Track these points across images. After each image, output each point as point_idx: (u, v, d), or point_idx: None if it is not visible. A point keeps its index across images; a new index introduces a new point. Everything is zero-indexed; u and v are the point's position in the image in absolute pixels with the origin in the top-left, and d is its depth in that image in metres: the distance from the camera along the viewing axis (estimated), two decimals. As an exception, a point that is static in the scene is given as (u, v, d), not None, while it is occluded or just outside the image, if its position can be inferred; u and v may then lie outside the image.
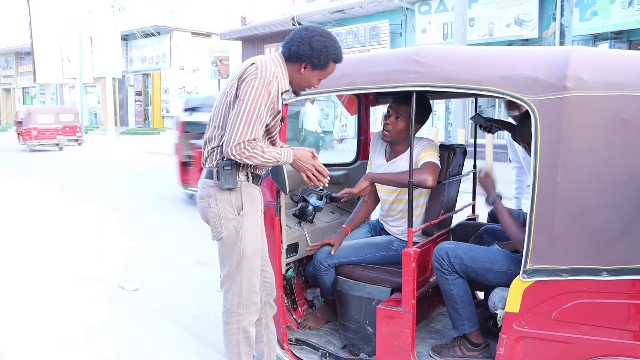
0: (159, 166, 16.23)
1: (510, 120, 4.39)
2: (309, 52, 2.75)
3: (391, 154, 3.56)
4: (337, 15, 20.10)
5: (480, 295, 3.89)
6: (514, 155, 3.96)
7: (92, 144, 26.29)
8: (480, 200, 3.38)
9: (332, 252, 3.45)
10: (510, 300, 2.55)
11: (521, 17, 15.31)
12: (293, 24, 20.02)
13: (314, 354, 3.47)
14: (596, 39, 14.13)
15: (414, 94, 2.88)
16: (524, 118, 3.77)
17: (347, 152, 15.13)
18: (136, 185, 13.18)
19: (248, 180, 2.90)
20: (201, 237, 5.60)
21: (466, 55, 2.94)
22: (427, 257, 3.24)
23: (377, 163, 3.65)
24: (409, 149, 3.07)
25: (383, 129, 3.47)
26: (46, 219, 9.01)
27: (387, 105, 3.50)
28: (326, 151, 17.32)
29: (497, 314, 2.68)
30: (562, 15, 14.74)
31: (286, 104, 3.17)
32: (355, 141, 4.63)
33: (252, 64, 2.76)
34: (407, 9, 18.25)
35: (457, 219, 3.94)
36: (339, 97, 4.46)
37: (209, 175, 2.91)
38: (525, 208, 3.92)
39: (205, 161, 2.95)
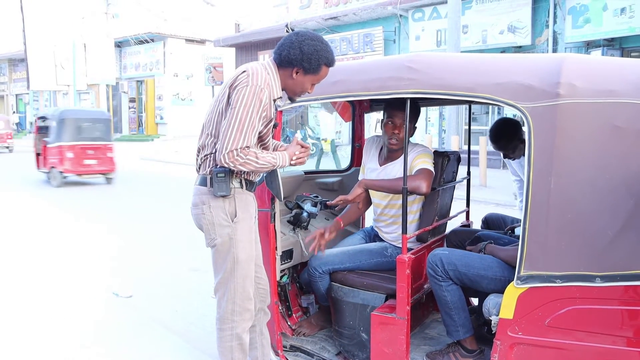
0: (153, 174, 16.21)
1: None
2: (300, 57, 2.74)
3: (386, 159, 3.56)
4: (331, 22, 20.17)
5: (475, 301, 3.89)
6: (514, 171, 3.99)
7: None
8: (474, 207, 3.38)
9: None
10: (505, 306, 2.55)
11: (514, 24, 15.41)
12: (287, 31, 20.05)
13: (308, 360, 3.47)
14: (589, 46, 14.23)
15: (408, 101, 2.89)
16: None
17: (341, 159, 15.11)
18: (129, 192, 13.16)
19: (242, 187, 2.90)
20: (195, 243, 5.60)
21: (460, 62, 2.95)
22: (422, 264, 3.24)
23: (371, 167, 3.65)
24: (403, 155, 3.07)
25: (390, 138, 3.45)
26: (40, 227, 8.97)
27: (385, 114, 3.49)
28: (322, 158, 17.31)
29: (491, 320, 2.69)
30: (554, 22, 14.84)
31: (281, 111, 3.17)
32: (349, 148, 4.63)
33: (244, 71, 2.76)
34: (400, 16, 18.34)
35: (452, 225, 3.95)
36: (333, 104, 4.47)
37: (203, 183, 2.91)
38: None
39: (199, 168, 2.95)
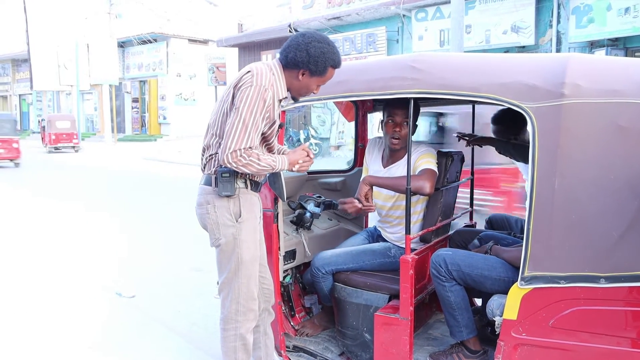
0: (156, 174, 16.21)
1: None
2: (306, 59, 2.73)
3: (389, 160, 3.55)
4: (334, 22, 20.14)
5: (478, 302, 3.89)
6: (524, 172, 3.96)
7: (89, 151, 26.24)
8: (477, 212, 3.36)
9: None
10: (508, 307, 2.54)
11: (518, 24, 15.35)
12: (290, 31, 20.04)
13: (311, 361, 3.47)
14: (593, 46, 14.18)
15: (412, 101, 2.88)
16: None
17: (344, 159, 15.12)
18: (132, 192, 13.17)
19: (246, 187, 2.90)
20: (197, 243, 5.60)
21: (463, 62, 2.95)
22: (425, 264, 3.23)
23: (374, 169, 3.63)
24: (406, 155, 3.06)
25: (393, 137, 3.43)
26: (42, 226, 8.98)
27: (385, 113, 3.47)
28: (323, 158, 17.33)
29: (495, 321, 2.68)
30: (558, 22, 14.79)
31: (284, 111, 3.17)
32: (352, 147, 4.62)
33: (248, 71, 2.76)
34: (403, 15, 18.30)
35: (455, 225, 3.94)
36: (337, 104, 4.46)
37: (208, 182, 2.91)
38: None
39: (204, 168, 2.95)
